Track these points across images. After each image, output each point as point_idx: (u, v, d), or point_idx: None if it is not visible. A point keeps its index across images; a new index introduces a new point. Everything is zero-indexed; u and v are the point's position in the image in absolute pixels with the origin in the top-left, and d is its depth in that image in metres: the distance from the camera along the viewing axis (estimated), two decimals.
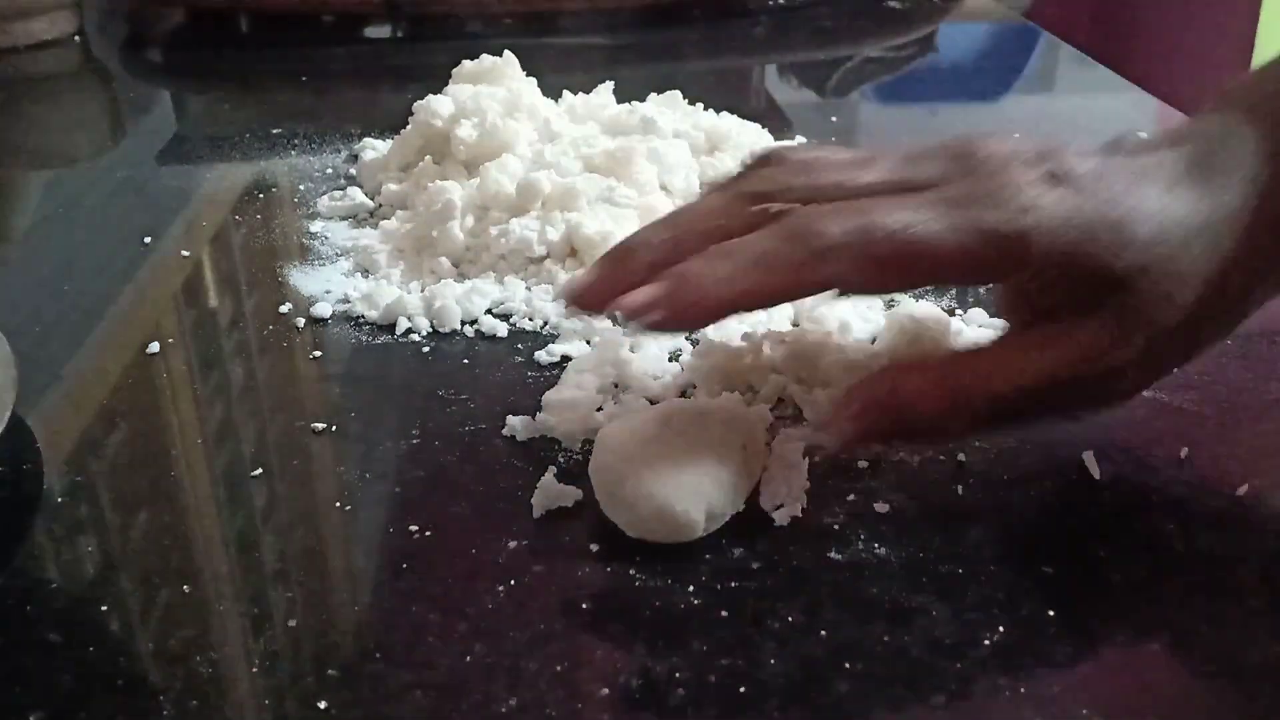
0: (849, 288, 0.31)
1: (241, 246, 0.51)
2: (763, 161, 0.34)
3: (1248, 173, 0.32)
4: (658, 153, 0.49)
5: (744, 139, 0.54)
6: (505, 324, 0.43)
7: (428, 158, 0.53)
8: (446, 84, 0.57)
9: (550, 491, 0.33)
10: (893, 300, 0.42)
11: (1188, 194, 0.31)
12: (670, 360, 0.40)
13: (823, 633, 0.29)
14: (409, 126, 0.55)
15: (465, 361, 0.41)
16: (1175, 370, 0.34)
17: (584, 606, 0.30)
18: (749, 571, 0.31)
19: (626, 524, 0.31)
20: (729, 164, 0.52)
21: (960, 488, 0.34)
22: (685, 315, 0.31)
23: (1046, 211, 0.30)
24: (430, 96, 0.55)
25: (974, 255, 0.30)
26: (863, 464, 0.35)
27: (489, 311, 0.44)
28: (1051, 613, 0.29)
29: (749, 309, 0.32)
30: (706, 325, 0.31)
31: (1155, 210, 0.31)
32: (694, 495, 0.30)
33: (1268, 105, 0.33)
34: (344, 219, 0.53)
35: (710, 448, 0.32)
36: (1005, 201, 0.30)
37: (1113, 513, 0.33)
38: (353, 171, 0.58)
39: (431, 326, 0.43)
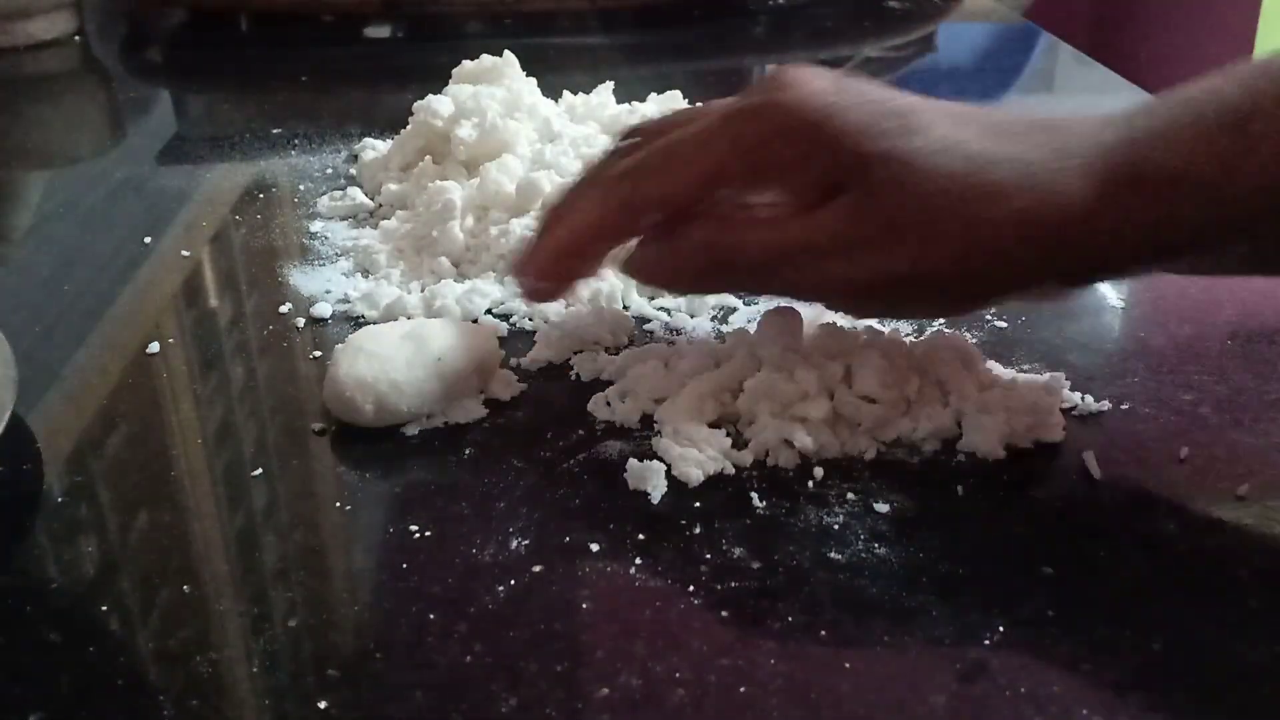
0: (650, 204, 0.35)
1: (241, 246, 0.51)
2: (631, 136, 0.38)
3: (1077, 138, 0.32)
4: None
5: None
6: (505, 324, 0.43)
7: (428, 158, 0.53)
8: (446, 84, 0.57)
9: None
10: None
11: (976, 131, 0.33)
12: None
13: (823, 633, 0.29)
14: (409, 126, 0.55)
15: None
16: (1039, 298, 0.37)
17: (584, 606, 0.30)
18: (749, 571, 0.31)
19: (325, 400, 0.37)
20: None
21: (960, 488, 0.34)
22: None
23: (799, 92, 0.33)
24: (430, 96, 0.55)
25: (743, 146, 0.33)
26: (863, 464, 0.35)
27: (489, 311, 0.44)
28: (1051, 613, 0.29)
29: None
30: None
31: (926, 121, 0.32)
32: (363, 386, 0.36)
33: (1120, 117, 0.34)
34: (344, 219, 0.53)
35: (412, 355, 0.37)
36: (770, 89, 0.33)
37: (1113, 513, 0.33)
38: (353, 171, 0.58)
39: None
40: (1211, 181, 0.30)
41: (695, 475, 0.34)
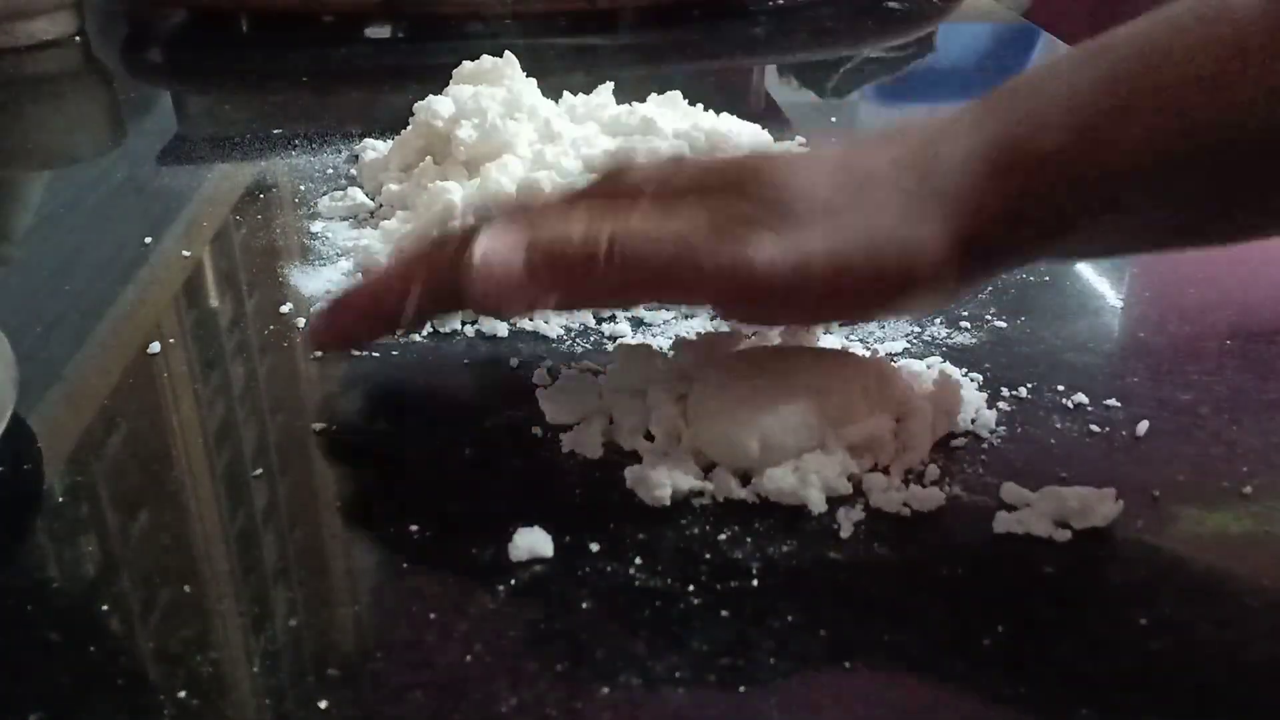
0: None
1: (242, 246, 0.51)
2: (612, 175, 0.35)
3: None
4: (658, 153, 0.49)
5: (744, 139, 0.54)
6: (505, 324, 0.43)
7: (428, 158, 0.53)
8: (446, 84, 0.57)
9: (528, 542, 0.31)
10: None
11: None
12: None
13: (823, 633, 0.29)
14: (409, 127, 0.55)
15: (466, 362, 0.41)
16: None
17: (584, 606, 0.30)
18: (749, 571, 0.31)
19: (704, 445, 0.34)
20: None
21: (960, 488, 0.34)
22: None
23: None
24: (430, 97, 0.55)
25: None
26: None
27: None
28: (1051, 613, 0.29)
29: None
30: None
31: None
32: (748, 427, 0.33)
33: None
34: (344, 219, 0.53)
35: (783, 386, 0.34)
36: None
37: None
38: (353, 171, 0.58)
39: (431, 326, 0.43)
40: (1079, 159, 0.31)
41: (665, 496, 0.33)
